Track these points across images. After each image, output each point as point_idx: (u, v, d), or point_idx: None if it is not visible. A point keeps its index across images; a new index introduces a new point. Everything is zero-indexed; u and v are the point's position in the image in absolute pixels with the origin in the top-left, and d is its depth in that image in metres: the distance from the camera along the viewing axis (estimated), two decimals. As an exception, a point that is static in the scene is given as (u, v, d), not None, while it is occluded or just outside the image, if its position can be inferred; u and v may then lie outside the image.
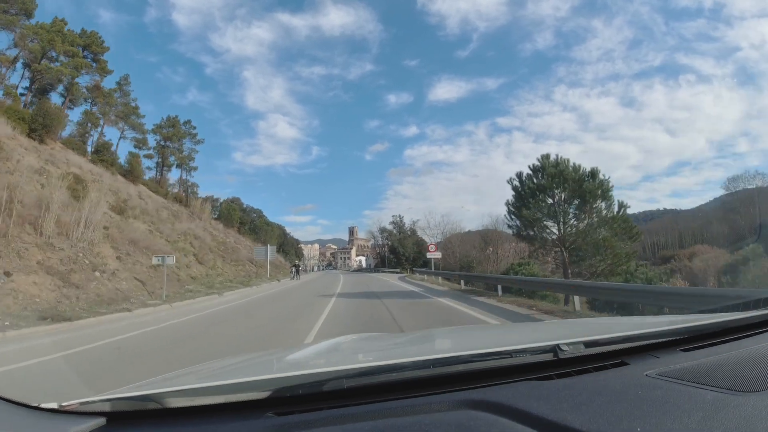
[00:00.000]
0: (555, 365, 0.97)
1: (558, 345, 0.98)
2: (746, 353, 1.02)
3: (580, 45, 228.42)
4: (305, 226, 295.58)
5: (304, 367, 1.21)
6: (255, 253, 29.80)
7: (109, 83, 35.60)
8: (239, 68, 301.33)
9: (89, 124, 32.73)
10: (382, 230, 68.92)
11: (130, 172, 31.71)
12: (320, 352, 1.54)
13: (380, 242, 71.09)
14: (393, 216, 68.47)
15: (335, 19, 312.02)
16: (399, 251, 59.21)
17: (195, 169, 49.09)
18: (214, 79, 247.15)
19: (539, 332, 1.74)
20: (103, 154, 29.34)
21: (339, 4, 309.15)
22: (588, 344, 1.02)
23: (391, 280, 27.12)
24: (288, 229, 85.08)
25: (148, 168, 40.74)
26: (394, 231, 65.32)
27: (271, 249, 28.93)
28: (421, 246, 57.88)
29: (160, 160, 41.58)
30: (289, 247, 72.79)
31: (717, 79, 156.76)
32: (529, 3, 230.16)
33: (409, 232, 62.03)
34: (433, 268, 26.19)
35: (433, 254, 26.27)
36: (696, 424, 0.67)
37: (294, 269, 30.40)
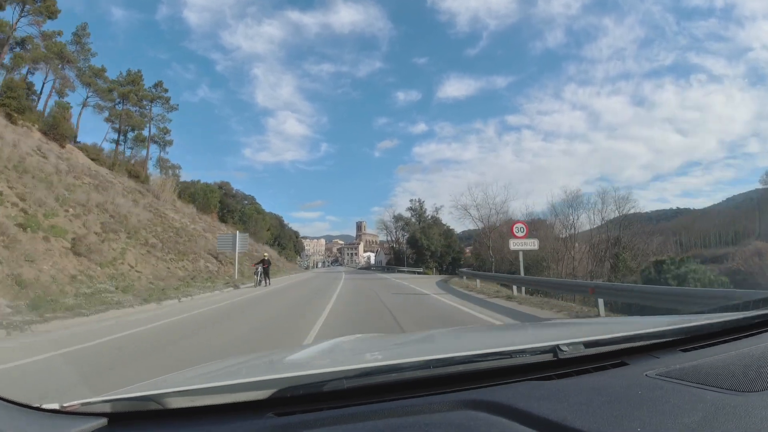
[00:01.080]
0: (555, 365, 0.96)
1: (558, 345, 0.97)
2: (746, 353, 1.01)
3: (591, 43, 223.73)
4: (313, 223, 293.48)
5: (304, 367, 1.19)
6: (218, 242, 20.67)
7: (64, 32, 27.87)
8: (249, 66, 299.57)
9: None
10: (398, 218, 55.12)
11: (54, 128, 22.60)
12: (320, 353, 1.52)
13: (395, 235, 57.21)
14: (411, 200, 57.08)
15: (345, 17, 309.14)
16: (422, 244, 45.45)
17: (170, 143, 40.34)
18: (224, 76, 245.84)
19: (539, 332, 1.72)
20: (5, 97, 20.30)
21: (349, 1, 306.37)
22: (588, 344, 1.02)
23: (427, 290, 14.73)
24: (289, 223, 75.27)
25: (114, 141, 32.95)
26: (413, 219, 52.41)
27: (240, 237, 19.79)
28: (449, 237, 47.16)
29: (119, 125, 32.72)
30: (286, 240, 63.06)
31: (728, 79, 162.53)
32: (540, 0, 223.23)
33: (431, 221, 49.20)
34: (522, 270, 13.98)
35: (522, 244, 13.77)
36: (696, 424, 0.67)
37: (259, 268, 18.00)
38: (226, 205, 47.80)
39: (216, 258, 21.05)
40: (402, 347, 1.60)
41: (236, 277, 19.22)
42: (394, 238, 57.40)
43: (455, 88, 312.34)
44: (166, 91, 38.67)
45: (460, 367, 0.92)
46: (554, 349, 0.96)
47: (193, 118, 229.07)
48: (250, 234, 37.67)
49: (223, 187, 51.24)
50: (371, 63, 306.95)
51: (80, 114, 31.13)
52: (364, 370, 0.91)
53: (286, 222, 69.34)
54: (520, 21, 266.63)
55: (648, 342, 1.08)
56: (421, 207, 53.03)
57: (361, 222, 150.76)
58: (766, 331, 1.17)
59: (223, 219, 41.63)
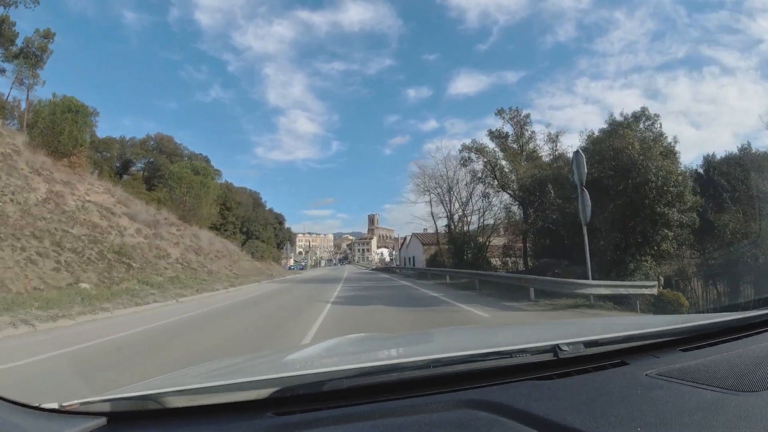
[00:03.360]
0: (555, 365, 0.96)
1: (558, 345, 0.97)
2: (746, 353, 1.01)
3: (602, 37, 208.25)
4: (325, 220, 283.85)
5: (304, 367, 1.19)
6: None
7: None
8: (260, 65, 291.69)
9: None
10: (472, 152, 20.22)
11: None
12: (320, 352, 1.51)
13: (461, 195, 23.42)
14: (498, 112, 20.89)
15: (354, 15, 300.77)
16: (640, 173, 9.52)
17: (46, 51, 23.34)
18: (236, 76, 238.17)
19: (539, 332, 1.71)
20: None
21: (359, 0, 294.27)
22: (588, 344, 1.01)
23: None
24: (280, 213, 54.71)
25: None
26: (500, 157, 19.57)
27: None
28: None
29: None
30: (259, 227, 42.53)
31: (741, 71, 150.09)
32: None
33: (559, 154, 16.96)
34: None
35: None
36: (696, 424, 0.67)
37: None
38: (159, 166, 29.91)
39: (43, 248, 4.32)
40: (402, 347, 1.61)
41: None
42: (452, 206, 23.67)
43: (466, 84, 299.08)
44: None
45: (460, 367, 0.92)
46: (554, 349, 0.96)
47: (205, 117, 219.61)
48: (181, 208, 18.60)
49: (160, 143, 33.01)
50: (381, 61, 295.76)
51: None
52: (364, 370, 0.91)
53: (264, 200, 49.09)
54: (531, 16, 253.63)
55: (648, 342, 1.08)
56: (522, 126, 20.79)
57: (373, 215, 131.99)
58: (766, 331, 1.17)
59: (152, 187, 23.89)
